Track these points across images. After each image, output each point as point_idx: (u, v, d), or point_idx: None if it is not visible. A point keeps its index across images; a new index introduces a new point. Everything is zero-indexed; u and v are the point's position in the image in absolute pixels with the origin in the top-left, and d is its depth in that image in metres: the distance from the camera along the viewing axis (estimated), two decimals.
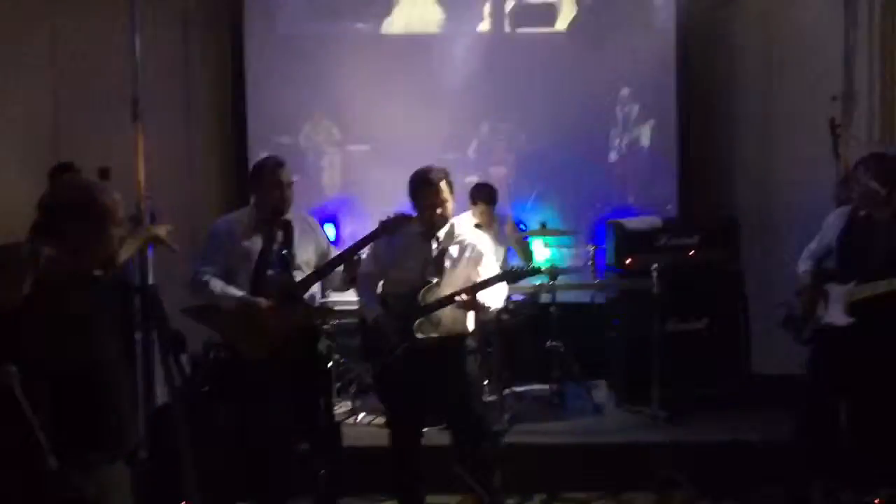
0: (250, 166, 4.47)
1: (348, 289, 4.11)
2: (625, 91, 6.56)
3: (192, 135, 6.43)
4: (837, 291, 3.78)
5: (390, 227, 3.81)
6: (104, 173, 4.91)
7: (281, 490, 4.00)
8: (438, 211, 3.86)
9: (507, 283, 3.88)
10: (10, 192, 5.91)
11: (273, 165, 3.93)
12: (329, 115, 6.65)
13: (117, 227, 2.46)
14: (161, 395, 4.37)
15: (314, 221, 4.06)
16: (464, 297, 3.75)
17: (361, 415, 5.22)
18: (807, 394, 3.97)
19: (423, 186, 3.88)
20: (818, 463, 4.03)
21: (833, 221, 3.89)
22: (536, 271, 3.99)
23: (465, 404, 3.93)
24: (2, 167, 5.93)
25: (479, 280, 3.84)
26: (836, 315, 3.76)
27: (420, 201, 3.89)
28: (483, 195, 5.61)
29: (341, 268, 3.93)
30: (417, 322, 3.80)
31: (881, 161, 3.72)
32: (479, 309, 3.88)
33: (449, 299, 3.80)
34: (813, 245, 3.96)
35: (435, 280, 3.85)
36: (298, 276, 3.82)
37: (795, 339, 3.99)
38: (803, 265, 3.95)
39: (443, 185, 3.87)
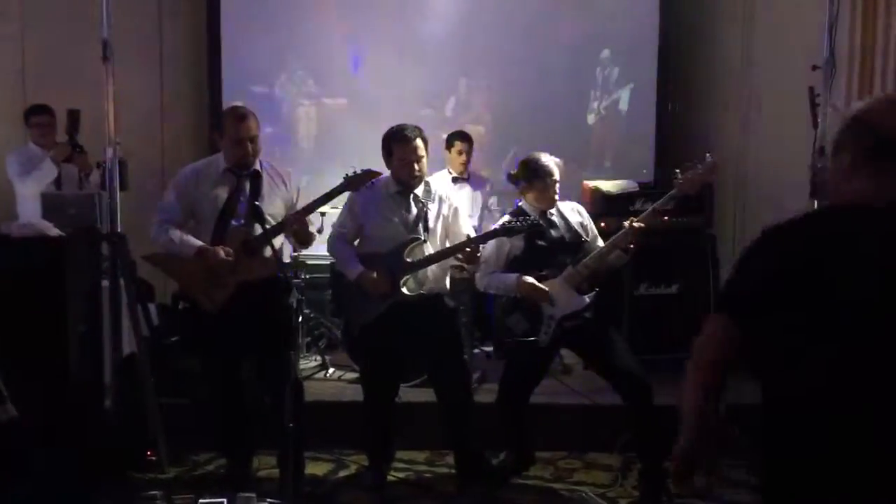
0: None
1: (306, 246, 4.06)
2: (605, 53, 6.50)
3: (165, 80, 6.30)
4: (556, 284, 3.81)
5: (355, 183, 3.76)
6: (73, 115, 4.80)
7: (245, 443, 3.99)
8: (415, 167, 3.83)
9: (508, 236, 3.84)
10: None
11: (234, 119, 3.77)
12: (305, 67, 6.52)
13: None
14: (128, 344, 4.32)
15: (286, 173, 3.97)
16: (467, 250, 3.77)
17: (331, 370, 5.21)
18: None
19: (399, 143, 3.85)
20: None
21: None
22: (535, 226, 3.81)
23: (457, 359, 4.02)
24: None
25: (467, 229, 3.90)
26: (569, 304, 3.80)
27: (395, 158, 3.86)
28: (458, 135, 5.71)
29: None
30: (404, 279, 3.80)
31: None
32: (477, 262, 3.89)
33: (447, 254, 3.81)
34: (490, 262, 3.93)
35: (422, 237, 3.84)
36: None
37: (529, 351, 3.92)
38: (503, 278, 3.89)
39: (418, 141, 3.85)
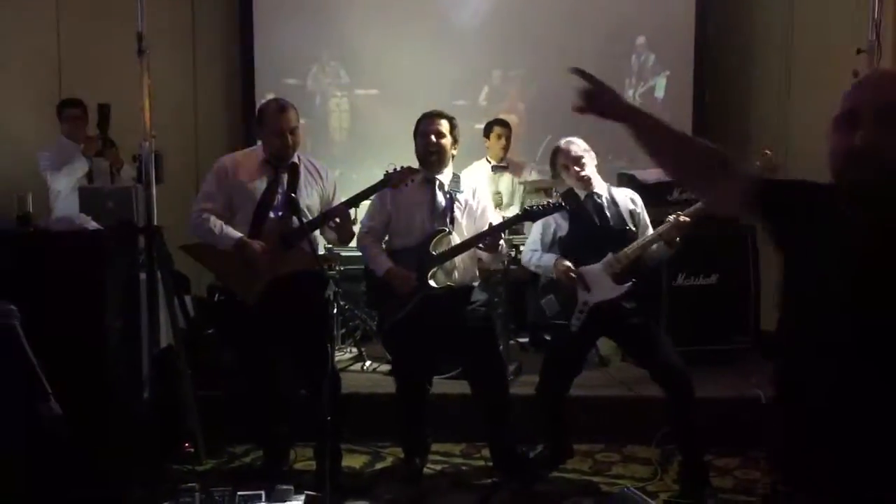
0: (257, 106, 4.38)
1: (344, 243, 4.05)
2: (640, 40, 6.41)
3: (199, 73, 6.33)
4: (594, 270, 3.75)
5: (395, 180, 3.73)
6: (103, 109, 4.82)
7: (282, 436, 3.99)
8: (432, 139, 3.80)
9: (531, 221, 3.85)
10: (14, 126, 5.85)
11: (274, 111, 3.78)
12: (337, 58, 6.52)
13: None
14: (165, 336, 4.34)
15: (323, 168, 3.96)
16: (488, 240, 3.73)
17: (367, 362, 5.20)
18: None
19: (422, 119, 3.88)
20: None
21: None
22: (559, 207, 3.78)
23: (492, 353, 3.97)
24: (5, 102, 5.85)
25: (495, 223, 3.82)
26: (604, 291, 3.74)
27: (417, 134, 3.85)
28: (496, 121, 5.75)
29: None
30: (431, 272, 3.77)
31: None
32: (499, 252, 3.88)
33: (470, 243, 3.76)
34: (536, 240, 3.91)
35: (447, 229, 3.81)
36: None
37: (559, 334, 3.91)
38: (544, 259, 3.85)
39: (442, 120, 3.84)
